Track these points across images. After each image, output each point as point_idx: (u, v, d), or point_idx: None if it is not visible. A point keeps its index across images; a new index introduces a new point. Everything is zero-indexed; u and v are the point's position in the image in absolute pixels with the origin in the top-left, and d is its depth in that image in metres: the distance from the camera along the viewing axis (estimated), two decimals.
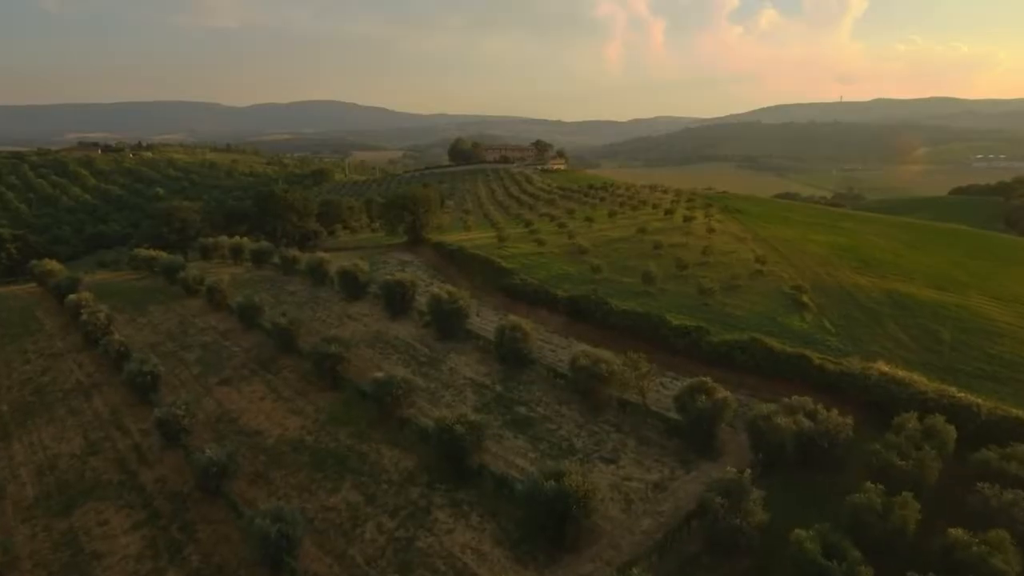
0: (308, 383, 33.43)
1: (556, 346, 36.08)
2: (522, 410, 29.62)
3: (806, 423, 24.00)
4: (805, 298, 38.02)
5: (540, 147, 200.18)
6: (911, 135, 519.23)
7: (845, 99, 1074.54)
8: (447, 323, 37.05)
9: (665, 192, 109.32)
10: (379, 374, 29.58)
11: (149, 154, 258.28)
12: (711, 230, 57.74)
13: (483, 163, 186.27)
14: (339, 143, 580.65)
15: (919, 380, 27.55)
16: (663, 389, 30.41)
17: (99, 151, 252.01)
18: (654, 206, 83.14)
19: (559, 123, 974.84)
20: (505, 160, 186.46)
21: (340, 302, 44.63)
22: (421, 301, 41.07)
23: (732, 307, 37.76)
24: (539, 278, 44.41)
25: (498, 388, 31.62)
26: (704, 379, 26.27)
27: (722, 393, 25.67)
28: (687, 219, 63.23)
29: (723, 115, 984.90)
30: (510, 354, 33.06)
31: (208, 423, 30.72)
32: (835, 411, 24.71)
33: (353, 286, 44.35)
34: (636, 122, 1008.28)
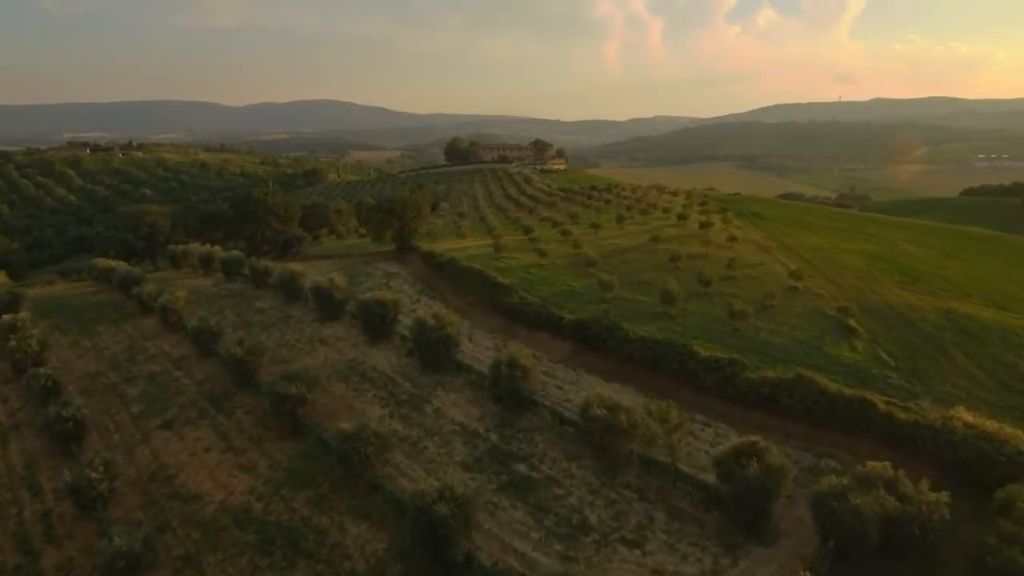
0: (265, 427, 27.90)
1: (562, 381, 30.49)
2: (522, 468, 24.14)
3: (890, 502, 18.58)
4: (852, 322, 32.50)
5: (539, 146, 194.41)
6: (911, 135, 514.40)
7: (844, 99, 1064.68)
8: (433, 352, 31.51)
9: (675, 194, 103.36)
10: (346, 425, 24.03)
11: (139, 154, 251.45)
12: (732, 238, 51.96)
13: (481, 163, 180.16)
14: (337, 142, 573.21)
15: (1015, 434, 22.10)
16: (693, 440, 24.93)
17: (88, 150, 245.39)
18: (664, 210, 77.28)
19: (558, 123, 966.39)
20: (503, 160, 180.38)
21: (313, 323, 39.01)
22: (405, 323, 35.52)
23: (768, 333, 32.22)
24: (541, 295, 38.84)
25: (492, 437, 26.10)
26: (754, 439, 20.74)
27: (776, 458, 20.18)
28: (703, 225, 57.41)
29: (722, 115, 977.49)
30: (507, 394, 27.52)
31: (138, 482, 25.19)
32: (924, 483, 19.33)
33: (328, 305, 38.72)
34: (635, 122, 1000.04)
